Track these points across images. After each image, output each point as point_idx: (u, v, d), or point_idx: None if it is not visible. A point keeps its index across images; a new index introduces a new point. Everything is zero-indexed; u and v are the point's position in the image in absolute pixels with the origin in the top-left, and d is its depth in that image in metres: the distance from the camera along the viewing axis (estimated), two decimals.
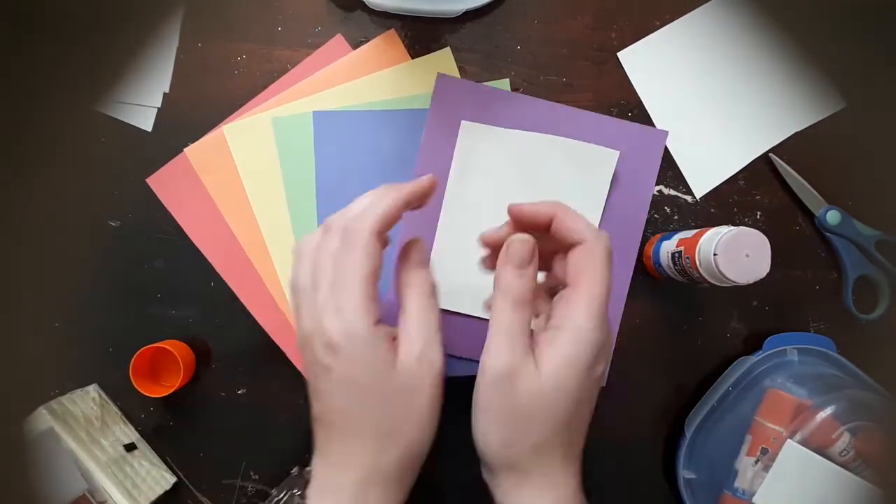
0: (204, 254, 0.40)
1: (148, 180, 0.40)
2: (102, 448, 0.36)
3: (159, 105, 0.40)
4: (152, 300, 0.40)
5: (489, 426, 0.27)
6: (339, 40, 0.40)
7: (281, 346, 0.40)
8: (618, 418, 0.42)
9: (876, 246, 0.41)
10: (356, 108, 0.40)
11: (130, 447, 0.38)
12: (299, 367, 0.39)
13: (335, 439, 0.27)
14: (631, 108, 0.42)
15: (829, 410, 0.36)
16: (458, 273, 0.38)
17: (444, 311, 0.35)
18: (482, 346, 0.27)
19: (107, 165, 0.40)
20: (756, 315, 0.43)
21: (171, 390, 0.37)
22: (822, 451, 0.35)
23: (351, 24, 0.41)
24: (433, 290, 0.29)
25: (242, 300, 0.40)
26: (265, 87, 0.41)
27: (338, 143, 0.40)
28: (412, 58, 0.41)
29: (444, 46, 0.41)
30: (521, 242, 0.27)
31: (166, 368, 0.40)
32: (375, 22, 0.41)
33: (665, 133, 0.39)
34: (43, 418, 0.34)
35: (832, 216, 0.41)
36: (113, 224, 0.40)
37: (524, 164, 0.38)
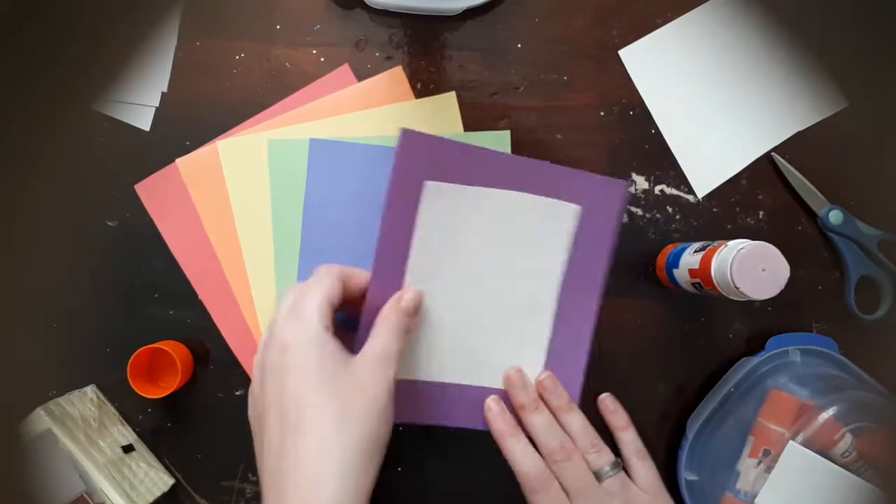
0: (182, 267, 0.39)
1: (136, 186, 0.39)
2: (100, 449, 0.36)
3: (157, 104, 0.40)
4: (150, 301, 0.40)
5: None
6: (345, 70, 0.40)
7: (246, 369, 0.40)
8: None
9: (879, 246, 0.41)
10: (354, 140, 0.39)
11: (128, 448, 0.38)
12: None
13: (288, 436, 0.27)
14: (632, 107, 0.42)
15: (831, 411, 0.35)
16: (422, 341, 0.36)
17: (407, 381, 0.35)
18: (444, 411, 0.33)
19: (105, 165, 0.40)
20: (758, 315, 0.42)
21: (169, 391, 0.37)
22: (824, 452, 0.35)
23: (350, 22, 0.41)
24: (407, 330, 0.31)
25: (214, 319, 0.40)
26: (264, 85, 0.40)
27: (331, 174, 0.39)
28: (414, 78, 0.41)
29: (443, 45, 0.41)
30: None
31: (164, 369, 0.40)
32: (375, 20, 0.41)
33: (625, 183, 0.37)
34: (41, 419, 0.34)
35: (835, 216, 0.41)
36: (111, 224, 0.40)
37: (488, 224, 0.36)
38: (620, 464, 0.36)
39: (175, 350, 0.37)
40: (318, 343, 0.27)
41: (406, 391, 0.34)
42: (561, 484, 0.34)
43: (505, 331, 0.36)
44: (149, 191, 0.39)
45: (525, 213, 0.36)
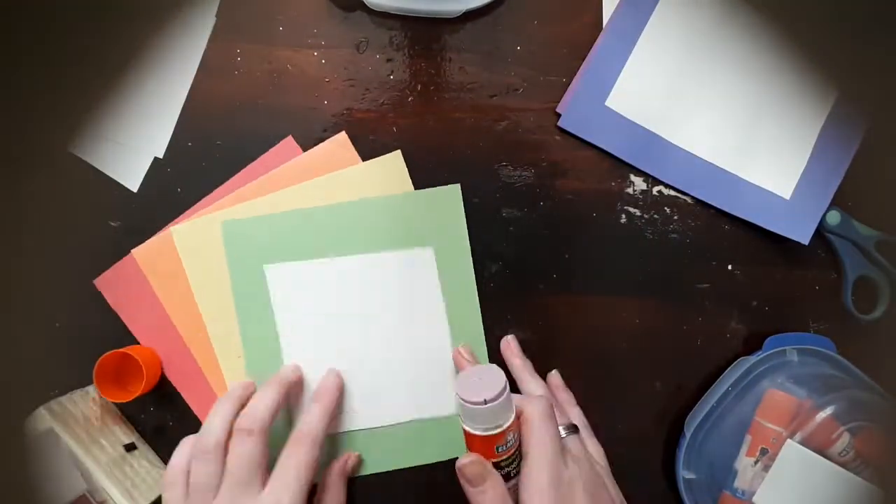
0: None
1: (95, 282, 0.39)
2: (102, 448, 0.36)
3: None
4: None
5: None
6: (289, 142, 0.40)
7: None
8: (617, 418, 0.42)
9: (876, 246, 0.41)
10: (296, 211, 0.40)
11: (130, 447, 0.38)
12: None
13: None
14: None
15: (828, 411, 0.36)
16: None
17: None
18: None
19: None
20: (756, 315, 0.43)
21: (136, 395, 0.37)
22: (821, 451, 0.35)
23: (351, 24, 0.41)
24: (311, 466, 0.34)
25: (186, 399, 0.40)
26: (266, 86, 0.41)
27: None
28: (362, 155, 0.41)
29: (443, 47, 0.41)
30: (472, 464, 0.30)
31: (132, 374, 0.39)
32: (375, 22, 0.41)
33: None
34: (43, 419, 0.34)
35: (832, 216, 0.41)
36: (113, 224, 0.40)
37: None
38: (576, 428, 0.35)
39: (141, 355, 0.37)
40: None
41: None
42: None
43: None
44: (109, 284, 0.39)
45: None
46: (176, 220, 0.40)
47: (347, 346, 0.40)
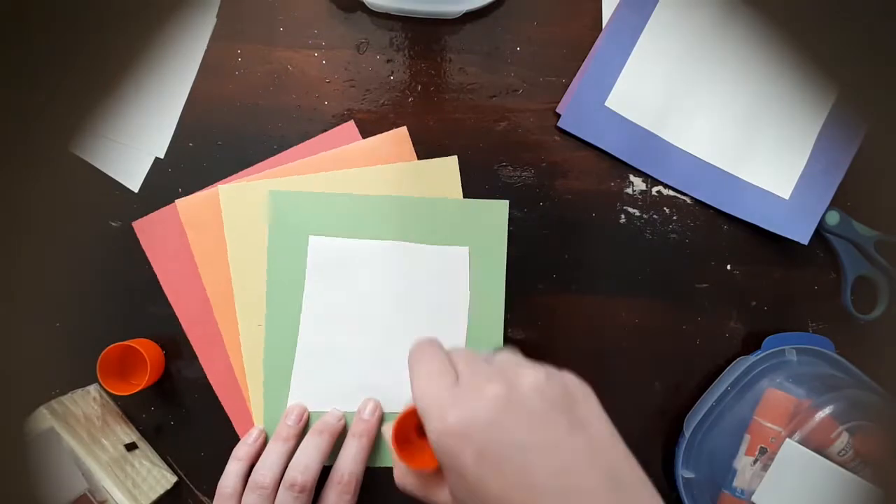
0: (174, 308, 0.40)
1: (133, 224, 0.40)
2: (103, 447, 0.36)
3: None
4: (153, 300, 0.40)
5: None
6: (350, 126, 0.41)
7: (230, 416, 0.40)
8: (617, 417, 0.42)
9: (875, 246, 0.42)
10: (350, 194, 0.40)
11: (131, 447, 0.38)
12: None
13: None
14: None
15: (827, 410, 0.36)
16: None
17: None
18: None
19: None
20: (755, 315, 0.43)
21: (139, 388, 0.37)
22: (820, 450, 0.35)
23: (351, 24, 0.41)
24: None
25: (202, 361, 0.40)
26: (266, 87, 0.41)
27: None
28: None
29: (443, 48, 0.42)
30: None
31: (135, 367, 0.40)
32: (376, 23, 0.41)
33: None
34: (43, 418, 0.34)
35: (831, 216, 0.41)
36: (114, 224, 0.40)
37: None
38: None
39: (145, 348, 0.38)
40: None
41: None
42: None
43: None
44: (146, 229, 0.40)
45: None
46: (226, 180, 0.40)
47: (367, 326, 0.40)
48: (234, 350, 0.40)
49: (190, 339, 0.40)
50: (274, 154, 0.41)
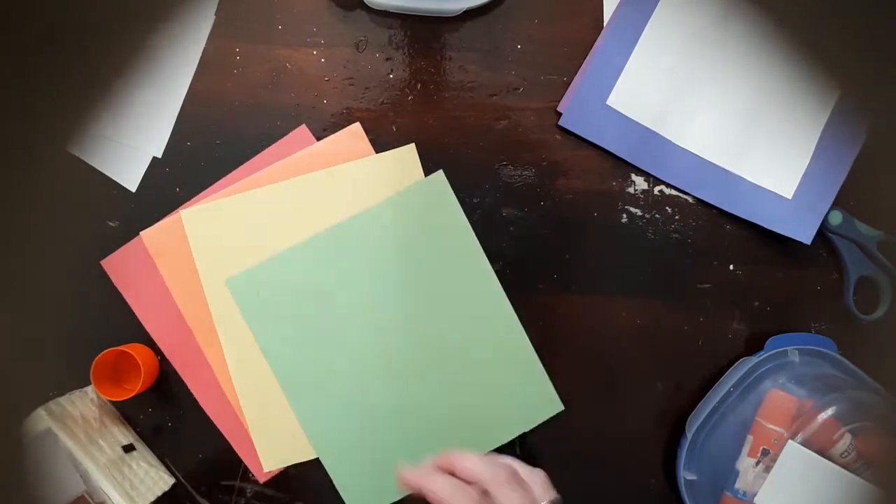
0: (156, 341, 0.39)
1: (102, 263, 0.39)
2: (101, 449, 0.36)
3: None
4: None
5: None
6: (303, 130, 0.40)
7: (220, 428, 0.40)
8: (619, 419, 0.42)
9: (877, 246, 0.41)
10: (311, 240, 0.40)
11: (129, 448, 0.38)
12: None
13: None
14: None
15: (830, 411, 0.35)
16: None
17: None
18: None
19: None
20: (757, 315, 0.42)
21: (133, 394, 0.37)
22: (823, 451, 0.35)
23: (351, 23, 0.41)
24: None
25: (189, 385, 0.40)
26: (265, 85, 0.40)
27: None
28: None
29: (443, 46, 0.41)
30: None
31: (129, 372, 0.40)
32: (375, 21, 0.41)
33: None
34: (41, 419, 0.34)
35: (834, 217, 0.41)
36: (112, 224, 0.40)
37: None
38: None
39: (139, 353, 0.37)
40: None
41: None
42: None
43: None
44: (115, 266, 0.39)
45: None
46: (185, 205, 0.40)
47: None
48: (219, 369, 0.39)
49: (176, 367, 0.40)
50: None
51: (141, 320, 0.39)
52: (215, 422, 0.40)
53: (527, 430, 0.40)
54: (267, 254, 0.39)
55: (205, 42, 0.40)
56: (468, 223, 0.40)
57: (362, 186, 0.40)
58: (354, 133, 0.40)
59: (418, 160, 0.40)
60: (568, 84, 0.41)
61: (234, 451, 0.40)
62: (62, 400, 0.36)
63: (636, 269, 0.42)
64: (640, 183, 0.42)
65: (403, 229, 0.40)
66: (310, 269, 0.39)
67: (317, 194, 0.39)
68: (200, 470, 0.40)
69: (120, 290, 0.39)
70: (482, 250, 0.40)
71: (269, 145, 0.40)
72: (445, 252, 0.40)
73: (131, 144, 0.40)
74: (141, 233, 0.39)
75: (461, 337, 0.40)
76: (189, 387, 0.40)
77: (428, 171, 0.40)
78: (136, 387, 0.37)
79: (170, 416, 0.40)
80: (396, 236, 0.39)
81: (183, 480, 0.40)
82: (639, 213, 0.42)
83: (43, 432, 0.34)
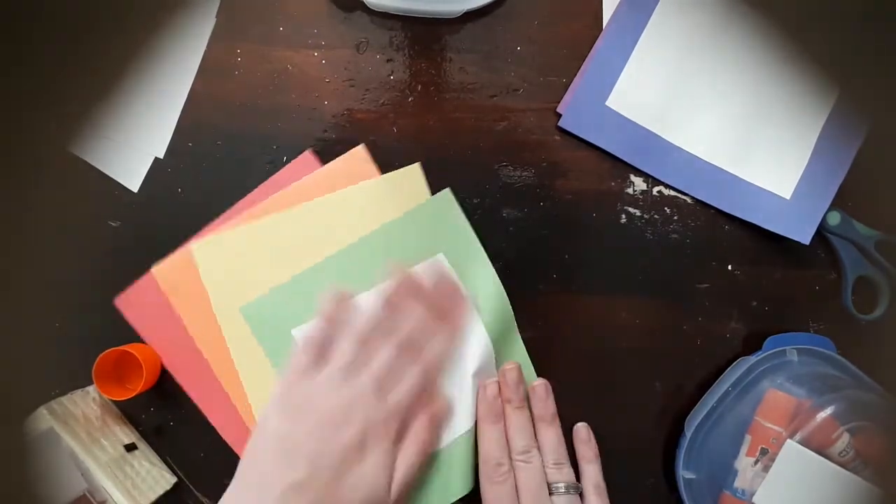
0: (171, 373, 0.39)
1: (115, 301, 0.39)
2: (103, 448, 0.36)
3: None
4: None
5: None
6: (307, 156, 0.40)
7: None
8: (617, 418, 0.42)
9: (876, 246, 0.41)
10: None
11: (131, 447, 0.38)
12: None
13: None
14: None
15: (828, 411, 0.36)
16: None
17: None
18: None
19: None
20: (755, 315, 0.43)
21: (135, 393, 0.37)
22: (821, 451, 0.35)
23: (351, 24, 0.41)
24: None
25: (210, 418, 0.39)
26: (266, 87, 0.41)
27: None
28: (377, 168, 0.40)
29: (443, 47, 0.41)
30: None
31: (131, 371, 0.40)
32: (375, 22, 0.41)
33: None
34: (43, 418, 0.34)
35: (832, 217, 0.41)
36: (113, 224, 0.40)
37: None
38: (579, 489, 0.36)
39: (142, 353, 0.37)
40: None
41: None
42: (516, 483, 0.35)
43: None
44: (128, 303, 0.39)
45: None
46: (196, 236, 0.39)
47: None
48: (241, 403, 0.39)
49: (193, 398, 0.39)
50: (271, 160, 0.41)
51: (162, 358, 0.39)
52: (237, 451, 0.39)
53: None
54: (279, 280, 0.39)
55: (206, 43, 0.40)
56: (477, 239, 0.40)
57: (369, 208, 0.39)
58: (359, 155, 0.40)
59: (424, 179, 0.40)
60: (568, 85, 0.42)
61: (235, 450, 0.40)
62: (64, 399, 0.36)
63: (635, 269, 0.42)
64: (640, 183, 0.42)
65: (412, 250, 0.39)
66: (322, 291, 0.38)
67: (325, 219, 0.39)
68: (202, 469, 0.40)
69: (135, 327, 0.39)
70: (491, 265, 0.40)
71: (270, 146, 0.41)
72: (454, 269, 0.40)
73: (133, 145, 0.40)
74: (152, 269, 0.39)
75: None
76: (208, 418, 0.39)
77: (429, 172, 0.41)
78: (137, 386, 0.37)
79: (172, 416, 0.40)
80: (405, 257, 0.39)
81: (185, 479, 0.40)
82: (638, 213, 0.42)
83: (45, 431, 0.34)
